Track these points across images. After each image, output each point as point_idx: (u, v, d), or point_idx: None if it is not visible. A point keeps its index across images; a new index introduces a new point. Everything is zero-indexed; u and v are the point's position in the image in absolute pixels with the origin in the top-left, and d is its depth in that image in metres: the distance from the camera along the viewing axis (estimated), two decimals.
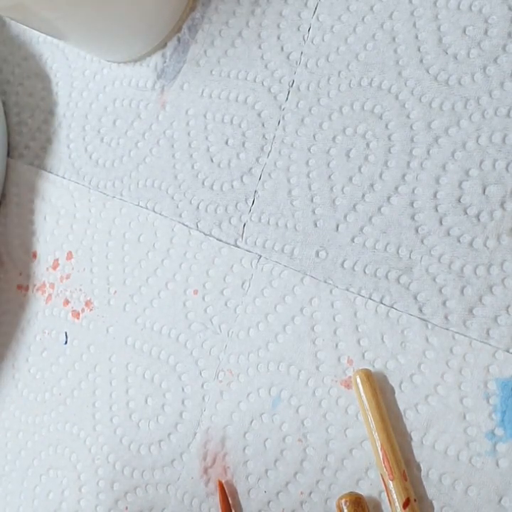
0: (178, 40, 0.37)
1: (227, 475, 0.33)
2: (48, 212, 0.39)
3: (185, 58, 0.37)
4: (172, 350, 0.35)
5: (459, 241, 0.30)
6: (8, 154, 0.41)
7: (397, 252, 0.31)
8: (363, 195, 0.32)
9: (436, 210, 0.31)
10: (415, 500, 0.29)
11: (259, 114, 0.35)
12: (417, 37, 0.32)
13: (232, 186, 0.35)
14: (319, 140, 0.34)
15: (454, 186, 0.31)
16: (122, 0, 0.33)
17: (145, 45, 0.37)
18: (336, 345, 0.32)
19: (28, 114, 0.41)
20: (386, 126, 0.32)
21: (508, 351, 0.29)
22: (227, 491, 0.33)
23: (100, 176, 0.38)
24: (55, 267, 0.39)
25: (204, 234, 0.35)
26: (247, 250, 0.34)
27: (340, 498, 0.30)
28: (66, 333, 0.38)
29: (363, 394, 0.30)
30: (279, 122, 0.35)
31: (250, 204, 0.35)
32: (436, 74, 0.32)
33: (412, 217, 0.31)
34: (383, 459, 0.29)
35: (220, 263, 0.35)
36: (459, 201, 0.31)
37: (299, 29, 0.35)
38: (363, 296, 0.32)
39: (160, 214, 0.36)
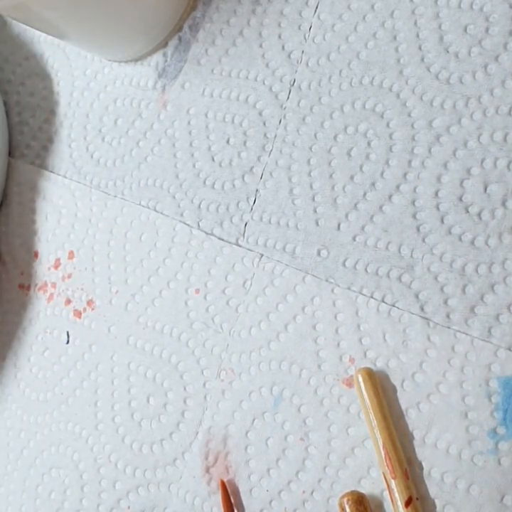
0: (180, 39, 0.37)
1: (229, 474, 0.33)
2: (50, 211, 0.39)
3: (187, 57, 0.37)
4: (174, 349, 0.35)
5: (460, 239, 0.30)
6: (10, 154, 0.41)
7: (399, 251, 0.31)
8: (365, 194, 0.32)
9: (438, 209, 0.31)
10: (417, 498, 0.29)
11: (260, 113, 0.35)
12: (418, 35, 0.32)
13: (233, 185, 0.35)
14: (320, 139, 0.34)
15: (455, 185, 0.31)
16: None
17: (146, 44, 0.37)
18: (338, 344, 0.32)
19: (29, 114, 0.41)
20: (387, 124, 0.32)
21: (509, 349, 0.29)
22: (229, 490, 0.33)
23: (102, 175, 0.38)
24: (56, 266, 0.39)
25: (205, 233, 0.35)
26: (249, 249, 0.34)
27: (343, 497, 0.30)
28: (68, 333, 0.38)
29: (364, 392, 0.30)
30: (280, 121, 0.35)
31: (252, 203, 0.35)
32: (438, 72, 0.32)
33: (414, 216, 0.31)
34: (385, 457, 0.29)
35: (222, 262, 0.35)
36: (461, 200, 0.31)
37: (300, 28, 0.35)
38: (365, 295, 0.32)
39: (161, 213, 0.36)
